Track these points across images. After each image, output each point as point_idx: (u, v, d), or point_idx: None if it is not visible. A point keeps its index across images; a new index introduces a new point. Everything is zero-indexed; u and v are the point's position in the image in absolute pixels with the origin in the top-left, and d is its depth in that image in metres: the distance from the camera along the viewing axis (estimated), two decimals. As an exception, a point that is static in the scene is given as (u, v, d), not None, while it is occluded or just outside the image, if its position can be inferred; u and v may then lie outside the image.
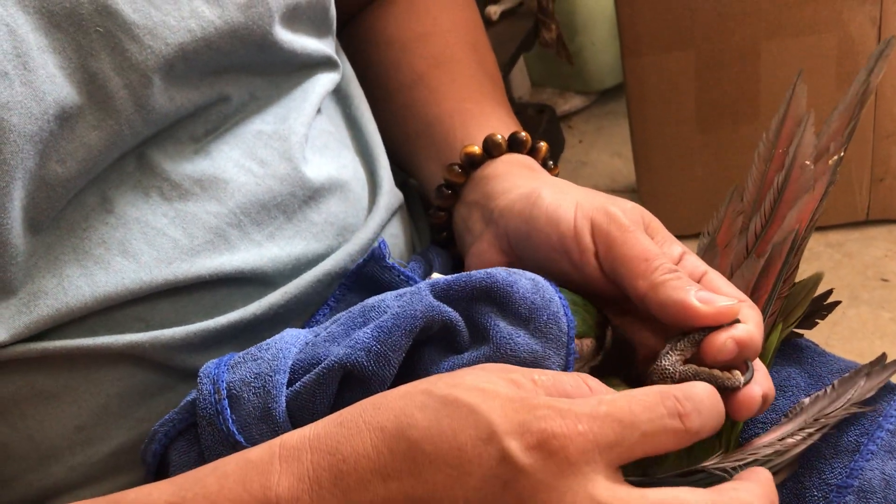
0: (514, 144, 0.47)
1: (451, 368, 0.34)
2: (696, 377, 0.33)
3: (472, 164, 0.46)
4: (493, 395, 0.29)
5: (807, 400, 0.38)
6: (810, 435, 0.37)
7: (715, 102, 1.17)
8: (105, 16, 0.35)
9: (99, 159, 0.36)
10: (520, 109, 1.54)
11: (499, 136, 0.46)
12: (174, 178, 0.38)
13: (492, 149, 0.46)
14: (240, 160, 0.40)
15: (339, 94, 0.49)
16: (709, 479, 0.33)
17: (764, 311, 0.39)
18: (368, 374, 0.33)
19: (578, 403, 0.29)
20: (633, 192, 1.37)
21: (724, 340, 0.33)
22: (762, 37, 1.10)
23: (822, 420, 0.37)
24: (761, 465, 0.35)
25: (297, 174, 0.41)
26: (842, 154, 0.44)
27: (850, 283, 1.16)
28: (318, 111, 0.46)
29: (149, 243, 0.37)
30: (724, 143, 1.20)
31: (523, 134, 0.47)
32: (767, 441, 0.36)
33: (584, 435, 0.28)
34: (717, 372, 0.33)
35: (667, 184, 1.25)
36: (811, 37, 1.09)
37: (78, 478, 0.37)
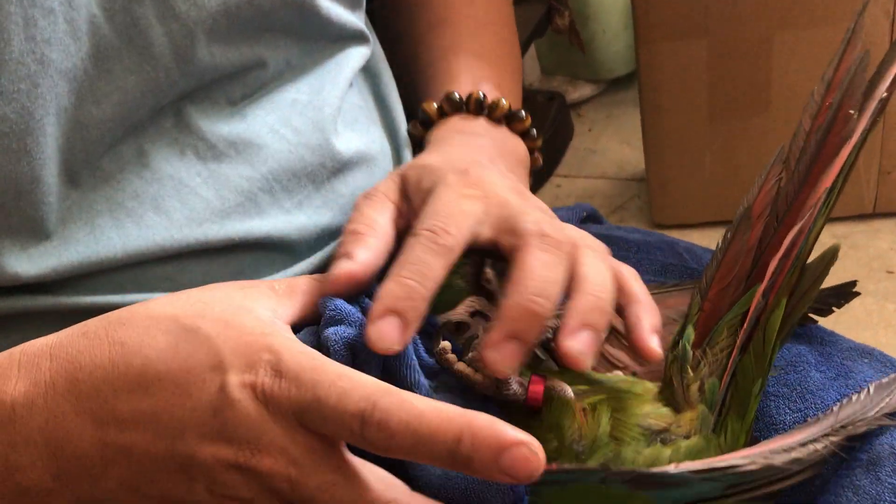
0: (465, 105, 0.47)
1: None
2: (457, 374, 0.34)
3: (425, 121, 0.48)
4: (233, 327, 0.30)
5: (836, 406, 0.36)
6: (832, 443, 0.34)
7: (727, 92, 1.17)
8: None
9: (134, 105, 0.37)
10: (530, 96, 1.54)
11: (456, 95, 0.47)
12: (210, 139, 0.39)
13: (445, 109, 0.47)
14: (274, 126, 0.41)
15: (369, 72, 0.50)
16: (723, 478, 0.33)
17: (768, 286, 0.37)
18: None
19: (300, 360, 0.29)
20: (642, 181, 1.38)
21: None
22: (776, 27, 1.10)
23: (850, 428, 0.35)
24: (779, 471, 0.34)
25: (328, 145, 0.42)
26: (886, 95, 0.38)
27: (855, 275, 1.16)
28: (350, 85, 0.46)
29: (181, 201, 0.38)
30: (734, 134, 1.20)
31: (480, 94, 0.47)
32: (787, 444, 0.34)
33: (281, 393, 0.29)
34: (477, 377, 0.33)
35: (676, 173, 1.26)
36: (824, 28, 1.09)
37: None
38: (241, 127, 0.40)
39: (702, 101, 1.19)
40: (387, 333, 0.32)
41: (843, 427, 0.35)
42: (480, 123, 0.47)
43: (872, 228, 1.23)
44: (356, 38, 0.47)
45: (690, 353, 0.37)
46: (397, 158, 0.48)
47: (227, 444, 0.29)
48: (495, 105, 0.47)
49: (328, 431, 0.29)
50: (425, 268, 0.33)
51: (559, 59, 1.65)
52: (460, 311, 0.34)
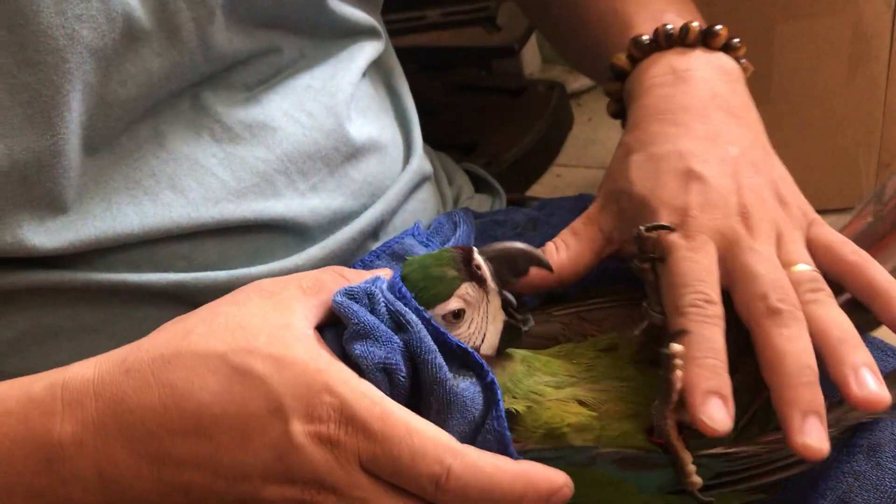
0: (669, 39, 0.44)
1: None
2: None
3: (620, 74, 0.46)
4: (287, 365, 0.30)
5: (839, 400, 0.36)
6: (829, 435, 0.34)
7: (727, 82, 1.17)
8: None
9: (157, 88, 0.38)
10: (530, 86, 1.54)
11: (644, 38, 0.44)
12: (226, 121, 0.40)
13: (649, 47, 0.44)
14: (289, 111, 0.42)
15: (380, 65, 0.50)
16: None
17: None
18: None
19: (363, 402, 0.30)
20: (641, 171, 1.38)
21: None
22: (777, 18, 1.10)
23: (844, 422, 0.36)
24: (772, 459, 0.35)
25: (342, 130, 0.43)
26: None
27: None
28: (363, 76, 0.47)
29: (197, 181, 0.39)
30: None
31: (691, 25, 0.43)
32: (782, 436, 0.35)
33: (351, 445, 0.30)
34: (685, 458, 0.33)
35: None
36: (826, 19, 1.09)
37: None
38: (256, 111, 0.41)
39: None
40: (717, 416, 0.32)
41: (838, 420, 0.35)
42: (679, 57, 0.44)
43: None
44: (368, 33, 0.48)
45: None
46: (407, 148, 0.49)
47: (292, 485, 0.30)
48: (686, 31, 0.44)
49: (398, 483, 0.30)
50: (712, 343, 0.33)
51: (560, 49, 1.66)
52: (456, 300, 0.34)
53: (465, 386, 0.32)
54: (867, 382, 0.32)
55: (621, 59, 0.45)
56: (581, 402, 0.35)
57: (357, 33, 0.47)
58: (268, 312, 0.32)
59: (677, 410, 0.33)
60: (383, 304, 0.33)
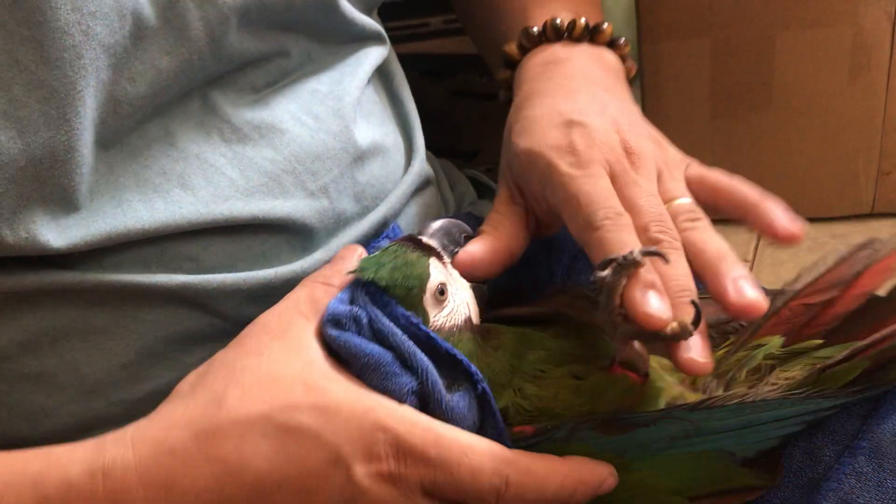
0: (554, 32, 0.47)
1: None
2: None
3: (510, 63, 0.49)
4: (334, 412, 0.30)
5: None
6: (809, 392, 0.35)
7: (729, 90, 1.18)
8: None
9: (166, 86, 0.38)
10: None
11: (534, 29, 0.47)
12: (234, 122, 0.40)
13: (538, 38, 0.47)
14: (296, 113, 0.42)
15: (383, 72, 0.51)
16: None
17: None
18: None
19: (416, 433, 0.31)
20: (642, 179, 1.39)
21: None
22: (778, 27, 1.11)
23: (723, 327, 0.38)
24: (750, 409, 0.35)
25: (348, 133, 0.44)
26: None
27: None
28: (368, 81, 0.48)
29: (207, 179, 0.39)
30: (735, 132, 1.21)
31: (561, 21, 0.46)
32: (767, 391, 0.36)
33: (414, 477, 0.31)
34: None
35: None
36: (826, 29, 1.10)
37: (118, 413, 0.39)
38: (264, 113, 0.41)
39: (704, 100, 1.20)
40: (655, 305, 0.33)
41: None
42: (563, 48, 0.47)
43: (871, 228, 1.23)
44: (374, 38, 0.49)
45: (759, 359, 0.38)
46: (410, 152, 0.50)
47: None
48: (572, 26, 0.47)
49: (461, 500, 0.31)
50: (635, 246, 0.35)
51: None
52: (436, 273, 0.35)
53: (458, 399, 0.33)
54: (745, 290, 0.33)
55: (512, 48, 0.48)
56: (576, 377, 0.35)
57: (364, 38, 0.48)
58: (289, 356, 0.32)
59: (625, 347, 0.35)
60: (367, 324, 0.33)
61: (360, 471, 0.30)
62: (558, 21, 0.47)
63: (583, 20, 0.47)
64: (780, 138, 1.20)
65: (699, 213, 0.39)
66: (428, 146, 0.53)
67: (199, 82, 0.40)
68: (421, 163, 0.49)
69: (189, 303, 0.39)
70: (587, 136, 0.39)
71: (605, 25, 0.47)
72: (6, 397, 0.38)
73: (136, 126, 0.38)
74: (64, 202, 0.36)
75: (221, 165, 0.40)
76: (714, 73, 1.17)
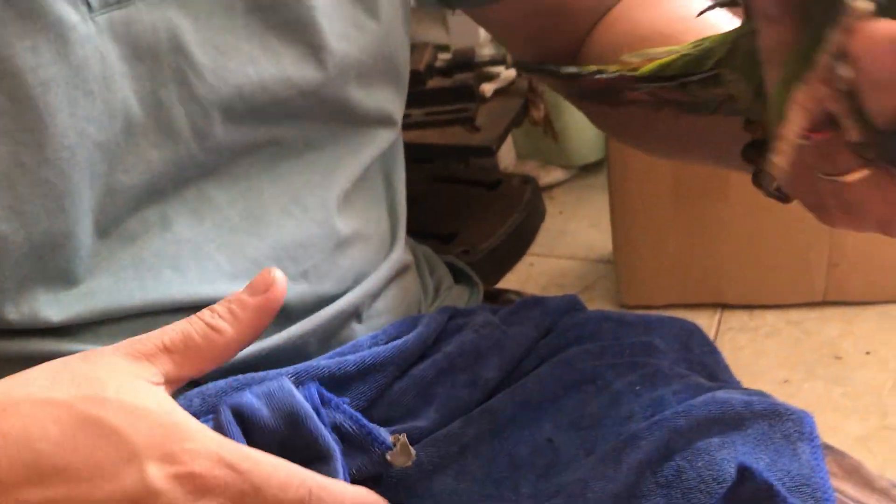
0: None
1: None
2: None
3: None
4: (141, 416, 0.30)
5: None
6: None
7: (690, 181, 1.24)
8: (178, 54, 0.39)
9: (158, 176, 0.40)
10: (505, 179, 1.61)
11: None
12: (226, 211, 0.42)
13: None
14: (286, 205, 0.44)
15: (386, 156, 0.51)
16: None
17: None
18: None
19: (227, 448, 0.31)
20: (610, 263, 1.44)
21: None
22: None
23: None
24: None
25: (332, 222, 0.45)
26: None
27: (807, 360, 1.23)
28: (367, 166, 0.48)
29: (197, 262, 0.41)
30: (697, 220, 1.26)
31: None
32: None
33: (221, 480, 0.30)
34: None
35: (641, 256, 1.32)
36: (777, 131, 1.18)
37: None
38: (254, 203, 0.43)
39: (666, 189, 1.26)
40: None
41: None
42: None
43: (823, 316, 1.29)
44: (383, 122, 0.48)
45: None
46: (392, 238, 0.51)
47: None
48: None
49: None
50: None
51: (533, 146, 1.74)
52: None
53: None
54: None
55: None
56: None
57: (370, 122, 0.47)
58: (120, 366, 0.32)
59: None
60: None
61: (155, 471, 0.29)
62: None
63: None
64: (738, 229, 1.26)
65: None
66: (409, 227, 0.54)
67: (192, 172, 0.42)
68: (400, 250, 0.51)
69: None
70: None
71: None
72: None
73: (134, 212, 0.41)
74: (64, 281, 0.38)
75: (211, 251, 0.42)
76: (676, 163, 1.23)
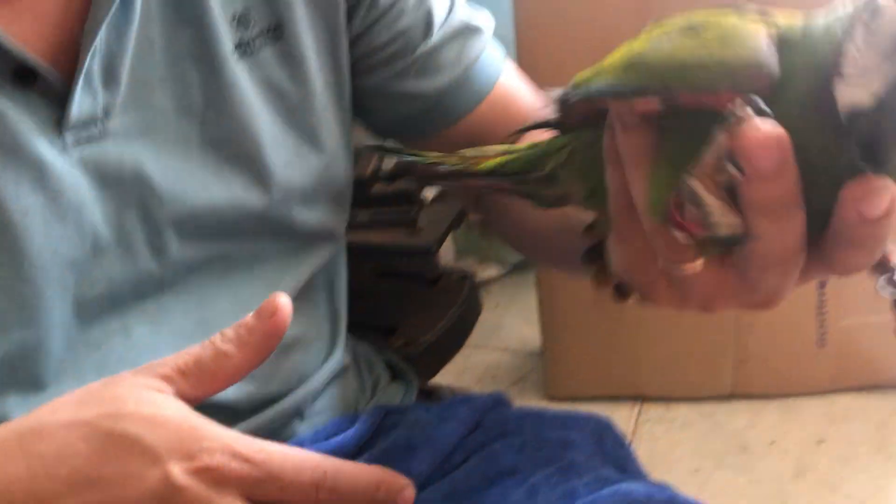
0: None
1: None
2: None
3: None
4: (160, 425, 0.32)
5: None
6: None
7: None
8: (140, 182, 0.43)
9: (119, 289, 0.44)
10: (444, 275, 1.67)
11: None
12: (180, 321, 0.47)
13: None
14: (234, 311, 0.46)
15: (329, 267, 0.54)
16: None
17: None
18: None
19: (242, 442, 0.32)
20: (540, 356, 1.52)
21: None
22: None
23: None
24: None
25: None
26: None
27: (717, 450, 1.29)
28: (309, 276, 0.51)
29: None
30: (617, 317, 1.33)
31: None
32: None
33: (237, 471, 0.32)
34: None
35: (568, 350, 1.38)
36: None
37: None
38: (206, 312, 0.47)
39: (589, 286, 1.34)
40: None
41: None
42: None
43: (732, 409, 1.36)
44: (325, 237, 0.51)
45: None
46: (332, 342, 0.55)
47: None
48: None
49: (284, 498, 0.33)
50: None
51: (471, 244, 1.83)
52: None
53: None
54: None
55: None
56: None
57: (313, 238, 0.50)
58: (138, 383, 0.34)
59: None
60: None
61: (177, 470, 0.31)
62: None
63: None
64: (654, 326, 1.33)
65: None
66: (350, 320, 0.57)
67: (150, 286, 0.44)
68: (341, 353, 0.53)
69: None
70: None
71: None
72: None
73: (98, 322, 0.43)
74: (33, 386, 0.41)
75: (167, 355, 0.44)
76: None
